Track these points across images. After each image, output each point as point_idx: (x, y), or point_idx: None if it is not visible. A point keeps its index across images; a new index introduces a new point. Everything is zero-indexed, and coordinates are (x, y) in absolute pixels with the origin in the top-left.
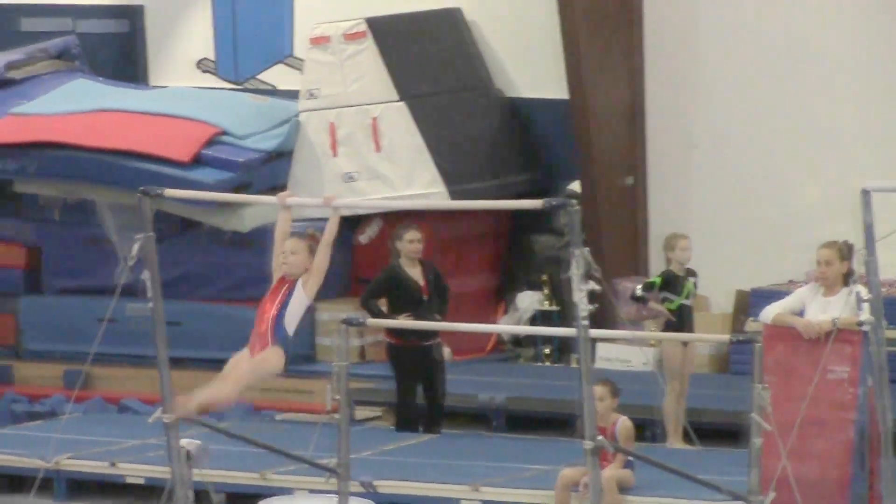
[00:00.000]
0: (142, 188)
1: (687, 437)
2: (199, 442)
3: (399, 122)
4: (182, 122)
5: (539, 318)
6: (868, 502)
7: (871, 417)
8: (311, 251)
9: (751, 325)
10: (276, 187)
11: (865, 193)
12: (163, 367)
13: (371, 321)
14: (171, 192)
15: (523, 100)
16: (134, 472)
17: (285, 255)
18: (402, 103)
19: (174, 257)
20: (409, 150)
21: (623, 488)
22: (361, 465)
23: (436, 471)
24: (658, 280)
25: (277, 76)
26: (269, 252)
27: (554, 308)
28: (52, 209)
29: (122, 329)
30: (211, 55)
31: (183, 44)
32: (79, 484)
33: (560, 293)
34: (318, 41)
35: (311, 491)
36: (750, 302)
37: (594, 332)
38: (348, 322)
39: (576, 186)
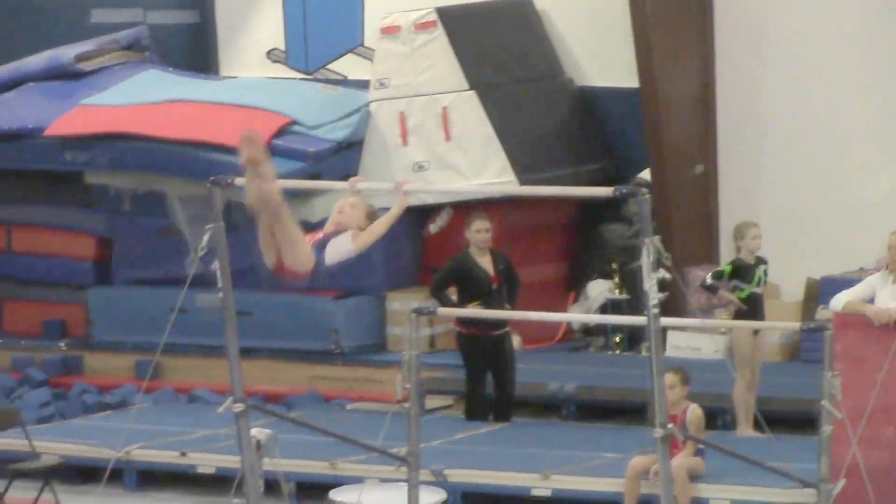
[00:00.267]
0: (212, 178)
1: (757, 425)
2: (269, 431)
3: (469, 111)
4: (252, 112)
5: (609, 306)
6: None
7: None
8: (369, 216)
9: (821, 313)
10: (346, 177)
11: None
12: (233, 357)
13: (441, 310)
14: (241, 181)
15: (593, 88)
16: (204, 461)
17: (342, 205)
18: (472, 92)
19: (244, 247)
20: (479, 140)
21: (693, 476)
22: (431, 453)
23: (506, 460)
24: (728, 268)
25: (348, 66)
26: None
27: (624, 297)
28: (122, 200)
29: (192, 319)
30: (281, 45)
31: (253, 34)
32: (149, 474)
33: (630, 282)
34: (389, 31)
35: (382, 480)
36: (820, 290)
37: (664, 321)
38: (419, 311)
39: (646, 175)
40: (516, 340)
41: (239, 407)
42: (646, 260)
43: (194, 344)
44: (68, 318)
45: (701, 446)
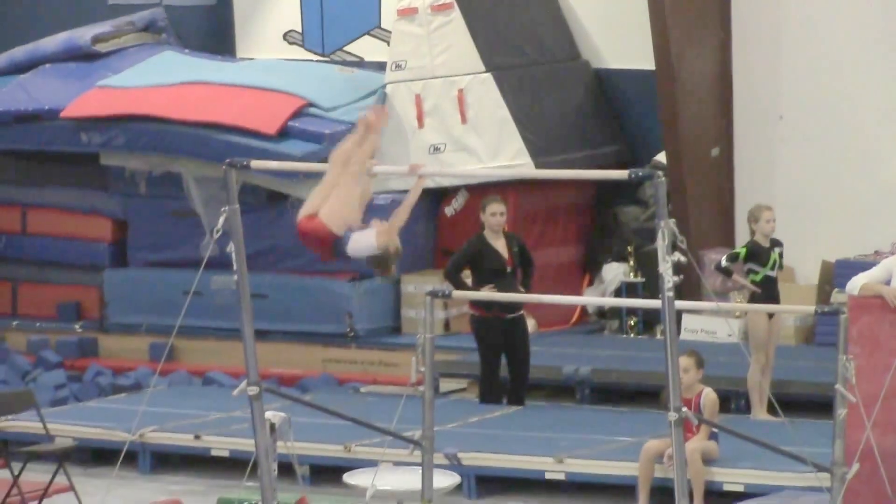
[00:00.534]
0: (228, 160)
1: (772, 409)
2: (283, 414)
3: (485, 93)
4: (269, 94)
5: (624, 289)
6: None
7: None
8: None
9: (836, 297)
10: None
11: None
12: (248, 340)
13: (456, 293)
14: (257, 163)
15: (610, 71)
16: (219, 444)
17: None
18: (488, 75)
19: (260, 230)
20: (495, 122)
21: (707, 460)
22: (446, 437)
23: (520, 443)
24: (743, 251)
25: (364, 48)
26: None
27: (639, 279)
28: (138, 182)
29: (207, 302)
30: (298, 27)
31: (270, 16)
32: (163, 457)
33: (645, 265)
34: (406, 13)
35: (396, 463)
36: (835, 273)
37: (679, 304)
38: (433, 294)
39: (662, 158)
40: (531, 323)
41: (253, 390)
42: (661, 243)
43: (209, 326)
44: (83, 300)
45: (715, 430)
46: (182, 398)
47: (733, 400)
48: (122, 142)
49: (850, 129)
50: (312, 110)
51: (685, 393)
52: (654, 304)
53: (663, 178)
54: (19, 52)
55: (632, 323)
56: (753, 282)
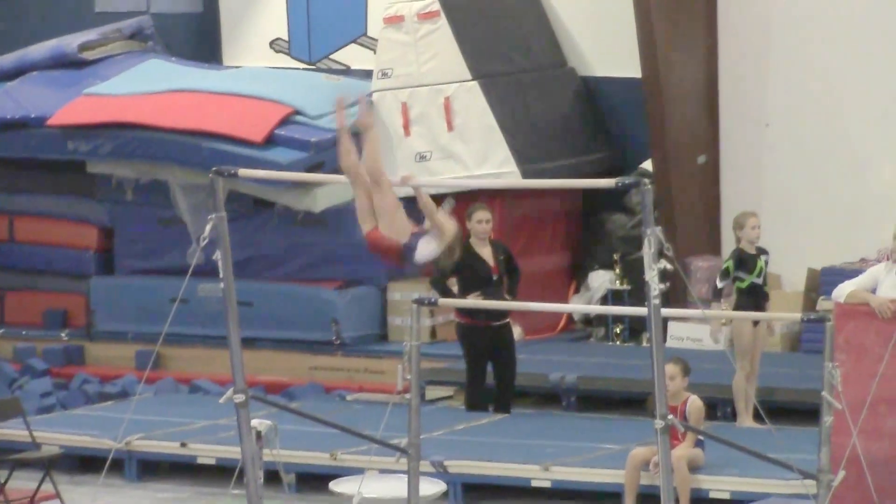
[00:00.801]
0: (214, 168)
1: (758, 416)
2: (269, 422)
3: (472, 101)
4: (255, 102)
5: (610, 297)
6: None
7: None
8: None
9: (822, 304)
10: None
11: None
12: (234, 348)
13: (442, 301)
14: (243, 171)
15: (596, 79)
16: (205, 452)
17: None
18: (474, 83)
19: (246, 237)
20: (481, 130)
21: (693, 467)
22: (432, 444)
23: (506, 450)
24: (730, 264)
25: (351, 56)
26: (341, 233)
27: (625, 287)
28: (124, 190)
29: (193, 309)
30: (284, 35)
31: (256, 24)
32: (150, 464)
33: (632, 272)
34: (392, 20)
35: (382, 471)
36: (821, 280)
37: (666, 311)
38: (420, 302)
39: (648, 165)
40: (517, 331)
41: (240, 397)
42: (647, 250)
43: (196, 334)
44: (70, 307)
45: (701, 437)
46: (168, 406)
47: (719, 407)
48: (108, 149)
49: (837, 137)
50: (299, 118)
51: (671, 400)
52: (640, 311)
53: (650, 186)
54: (6, 60)
55: (618, 330)
56: (739, 289)
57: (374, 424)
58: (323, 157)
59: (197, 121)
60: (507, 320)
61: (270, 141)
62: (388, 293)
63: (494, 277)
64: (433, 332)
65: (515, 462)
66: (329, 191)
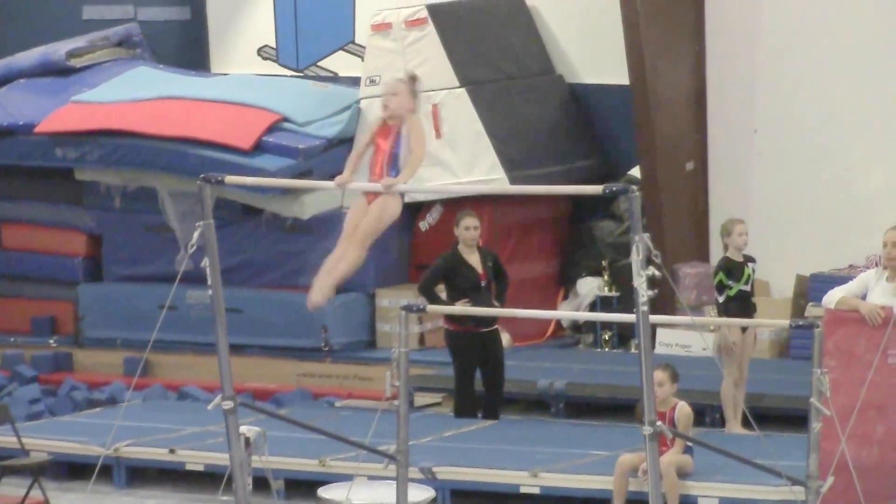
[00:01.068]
0: (202, 175)
1: (746, 423)
2: (258, 428)
3: (460, 108)
4: (243, 109)
5: (599, 303)
6: None
7: None
8: (412, 93)
9: (811, 310)
10: (336, 174)
11: None
12: (223, 354)
13: (431, 307)
14: (231, 178)
15: (584, 86)
16: (193, 458)
17: (386, 97)
18: (462, 90)
19: (234, 244)
20: (469, 137)
21: (682, 473)
22: (420, 451)
23: (495, 457)
24: (722, 275)
25: (338, 63)
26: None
27: (614, 294)
28: (112, 197)
29: (182, 316)
30: (272, 42)
31: (244, 31)
32: (138, 471)
33: (620, 279)
34: (380, 28)
35: (371, 477)
36: (810, 287)
37: (654, 318)
38: (408, 308)
39: (636, 172)
40: (505, 337)
41: (228, 404)
42: (636, 257)
43: (184, 341)
44: (58, 314)
45: (689, 444)
46: (157, 412)
47: (708, 413)
48: (96, 157)
49: (825, 144)
50: (287, 125)
51: (660, 407)
52: (628, 318)
53: (638, 193)
54: None
55: (606, 337)
56: (728, 296)
57: (363, 431)
58: (311, 164)
59: (185, 128)
60: (496, 327)
61: (258, 148)
62: (377, 300)
63: (483, 284)
64: (422, 339)
65: (504, 469)
66: (317, 198)
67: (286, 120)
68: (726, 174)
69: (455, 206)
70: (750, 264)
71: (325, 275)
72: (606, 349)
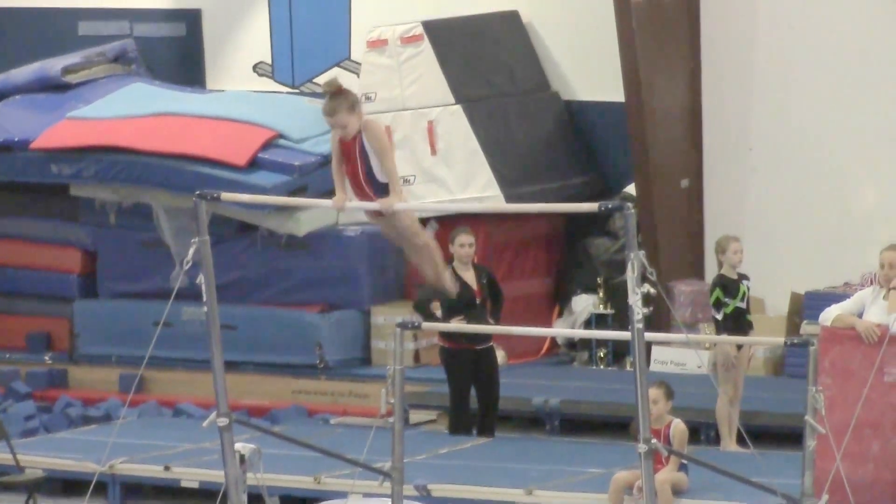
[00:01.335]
0: (198, 192)
1: (741, 440)
2: (253, 446)
3: (455, 125)
4: (238, 125)
5: (594, 321)
6: None
7: None
8: (351, 109)
9: (806, 328)
10: (332, 191)
11: None
12: (218, 371)
13: (426, 325)
14: (227, 195)
15: (579, 103)
16: (188, 475)
17: (330, 123)
18: (458, 106)
19: (230, 261)
20: (464, 154)
21: (677, 491)
22: (415, 468)
23: (490, 474)
24: (719, 292)
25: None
26: (324, 256)
27: (609, 311)
28: (108, 213)
29: (177, 333)
30: (267, 59)
31: (240, 47)
32: (133, 488)
33: (615, 296)
34: (375, 44)
35: (366, 494)
36: (805, 304)
37: (649, 336)
38: (403, 325)
39: (631, 189)
40: (500, 355)
41: (223, 421)
42: (631, 274)
43: (179, 358)
44: (53, 331)
45: (684, 461)
46: (152, 429)
47: (703, 431)
48: (92, 173)
49: (820, 161)
50: (282, 142)
51: (654, 424)
52: (623, 335)
53: (632, 210)
54: None
55: (601, 354)
56: (725, 314)
57: (358, 448)
58: (306, 180)
59: (180, 144)
60: (491, 344)
61: (254, 164)
62: (372, 317)
63: (478, 301)
64: (417, 356)
65: (499, 486)
66: (312, 214)
67: (282, 136)
68: (721, 191)
69: (450, 223)
70: (744, 282)
71: (438, 266)
72: (601, 367)
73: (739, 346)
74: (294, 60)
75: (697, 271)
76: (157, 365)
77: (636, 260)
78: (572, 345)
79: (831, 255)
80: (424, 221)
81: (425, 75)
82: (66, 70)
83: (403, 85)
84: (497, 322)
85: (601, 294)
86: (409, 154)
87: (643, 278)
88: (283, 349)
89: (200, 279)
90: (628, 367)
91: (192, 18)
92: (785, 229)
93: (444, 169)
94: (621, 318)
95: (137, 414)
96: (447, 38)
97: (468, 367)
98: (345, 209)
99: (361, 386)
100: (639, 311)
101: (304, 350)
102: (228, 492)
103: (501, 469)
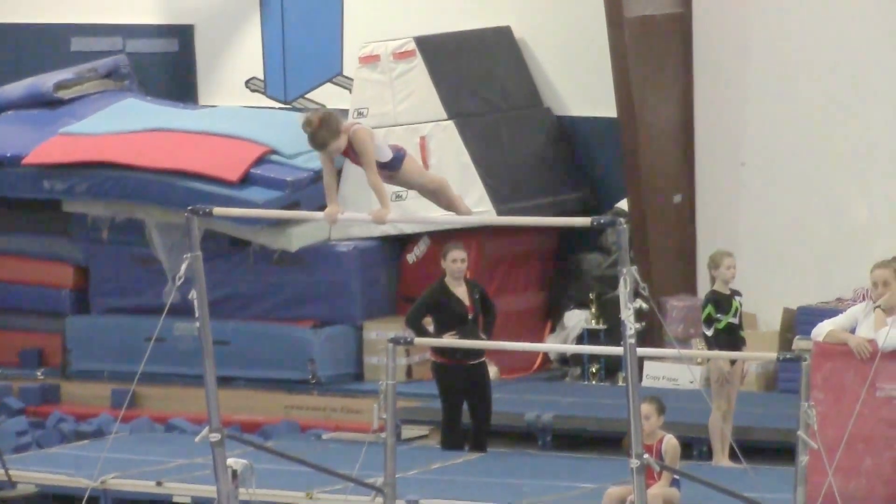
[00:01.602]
0: (190, 207)
1: (733, 456)
2: (245, 461)
3: (447, 140)
4: (231, 141)
5: (586, 336)
6: None
7: None
8: (332, 129)
9: (798, 343)
10: (324, 206)
11: None
12: (210, 387)
13: (418, 340)
14: (219, 210)
15: (572, 118)
16: (180, 491)
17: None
18: (450, 122)
19: (222, 276)
20: (457, 169)
21: None
22: (407, 483)
23: (482, 489)
24: (711, 308)
25: (326, 95)
26: (316, 272)
27: (601, 326)
28: (100, 229)
29: (169, 348)
30: (260, 74)
31: (232, 63)
32: (125, 503)
33: (607, 311)
34: (368, 60)
35: None
36: (797, 320)
37: (641, 351)
38: (396, 341)
39: (624, 205)
40: (493, 370)
41: (215, 436)
42: (623, 290)
43: (171, 373)
44: (45, 346)
45: (677, 476)
46: (144, 445)
47: (695, 446)
48: (84, 189)
49: (812, 176)
50: (274, 157)
51: (647, 439)
52: (616, 350)
53: (625, 225)
54: None
55: (594, 370)
56: (717, 329)
57: (350, 463)
58: (298, 196)
59: (173, 160)
60: (483, 359)
61: (246, 180)
62: (364, 332)
63: (470, 316)
64: (409, 372)
65: (491, 501)
66: (305, 230)
67: (274, 152)
68: (714, 207)
69: (442, 238)
70: (737, 297)
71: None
72: (594, 382)
73: (732, 362)
74: (286, 76)
75: (690, 286)
76: (149, 380)
77: (629, 275)
78: (565, 360)
79: (824, 271)
80: (417, 238)
81: (417, 91)
82: (59, 86)
83: (396, 100)
84: (489, 337)
85: (593, 309)
86: None
87: (635, 293)
88: (275, 364)
89: (193, 294)
90: (621, 383)
91: (184, 34)
92: (777, 244)
93: None
94: (614, 333)
95: (130, 429)
96: (439, 53)
97: (460, 382)
98: (337, 221)
99: (354, 401)
100: (631, 326)
101: (297, 365)
102: None
103: (494, 484)
